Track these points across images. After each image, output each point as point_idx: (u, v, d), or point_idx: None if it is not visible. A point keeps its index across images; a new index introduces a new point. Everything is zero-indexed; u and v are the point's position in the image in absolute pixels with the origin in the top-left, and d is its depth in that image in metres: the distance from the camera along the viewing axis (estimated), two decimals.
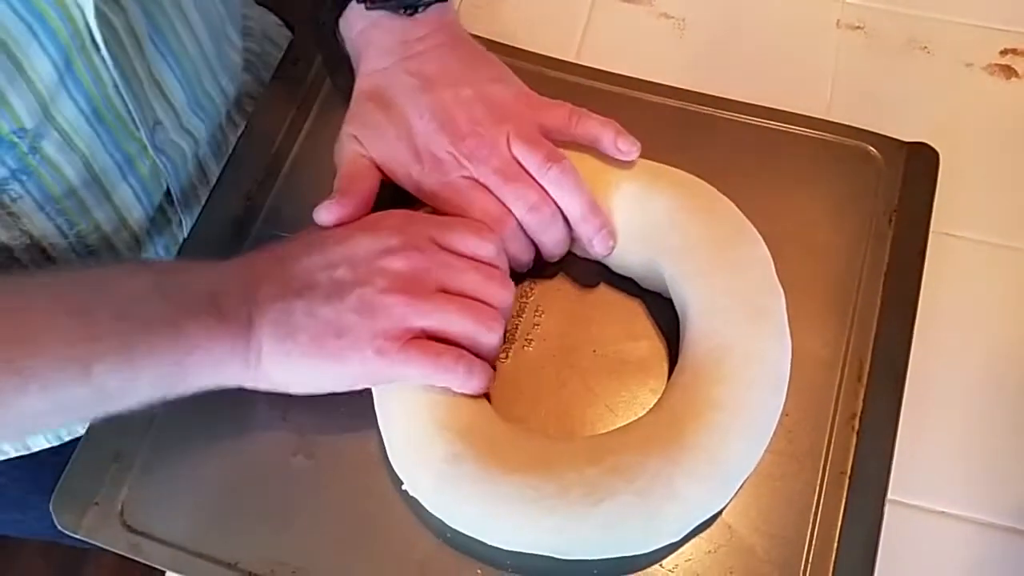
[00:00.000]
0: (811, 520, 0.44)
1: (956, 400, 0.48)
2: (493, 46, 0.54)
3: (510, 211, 0.46)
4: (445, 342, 0.42)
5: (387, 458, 0.44)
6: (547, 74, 0.55)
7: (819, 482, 0.44)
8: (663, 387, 0.46)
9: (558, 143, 0.48)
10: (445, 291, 0.43)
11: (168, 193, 0.56)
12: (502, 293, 0.44)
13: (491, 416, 0.44)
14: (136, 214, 0.54)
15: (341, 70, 0.55)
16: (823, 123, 0.54)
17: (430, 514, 0.43)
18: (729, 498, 0.42)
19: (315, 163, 0.53)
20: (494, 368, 0.45)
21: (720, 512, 0.43)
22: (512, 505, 0.40)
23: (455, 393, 0.43)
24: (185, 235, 0.59)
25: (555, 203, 0.46)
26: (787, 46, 0.59)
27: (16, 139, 0.44)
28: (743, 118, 0.54)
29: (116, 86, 0.47)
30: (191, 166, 0.57)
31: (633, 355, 0.48)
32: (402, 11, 0.49)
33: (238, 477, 0.45)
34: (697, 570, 0.43)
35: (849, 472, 0.44)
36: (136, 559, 0.44)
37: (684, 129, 0.54)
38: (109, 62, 0.45)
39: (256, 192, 0.52)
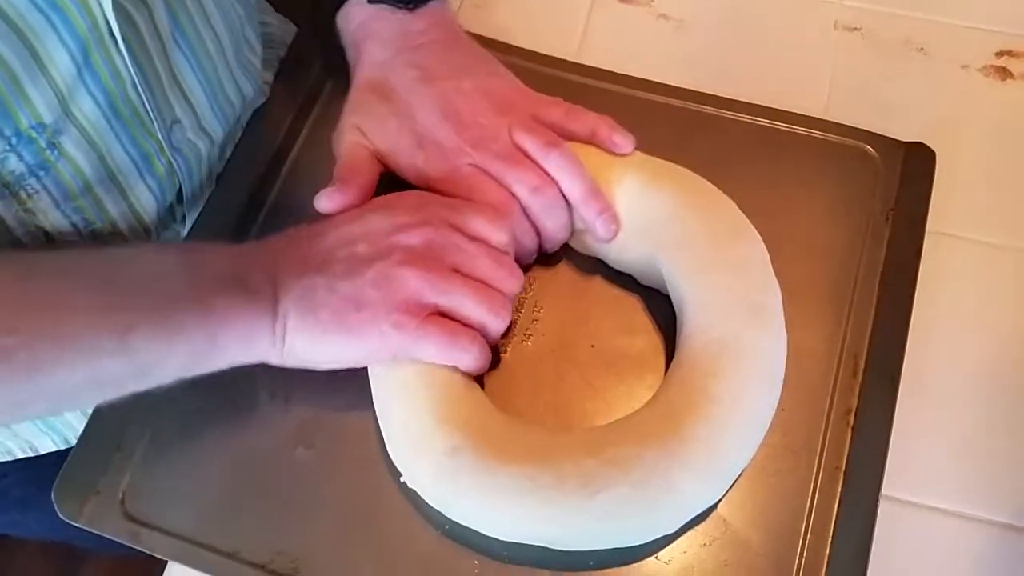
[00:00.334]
0: (806, 514, 0.44)
1: (951, 397, 0.49)
2: (493, 44, 0.54)
3: (513, 197, 0.47)
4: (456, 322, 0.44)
5: (386, 451, 0.44)
6: (547, 73, 0.56)
7: (814, 477, 0.45)
8: (660, 382, 0.46)
9: None
10: (458, 272, 0.44)
11: (179, 192, 0.56)
12: (512, 280, 0.45)
13: (489, 409, 0.44)
14: (151, 213, 0.54)
15: (343, 69, 0.55)
16: (821, 123, 0.54)
17: (428, 506, 0.43)
18: (725, 491, 0.43)
19: (317, 161, 0.54)
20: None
21: (716, 505, 0.44)
22: (509, 496, 0.40)
23: (454, 387, 0.43)
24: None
25: (557, 187, 0.47)
26: (785, 47, 0.60)
27: (35, 134, 0.44)
28: (742, 117, 0.54)
29: (134, 82, 0.47)
30: (203, 167, 0.57)
31: (631, 350, 0.48)
32: (403, 5, 0.50)
33: (238, 468, 0.46)
34: (692, 562, 0.43)
35: (844, 467, 0.45)
36: (136, 547, 0.44)
37: (683, 128, 0.54)
38: (127, 58, 0.45)
39: (258, 189, 0.53)
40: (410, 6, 0.51)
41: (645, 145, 0.50)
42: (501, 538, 0.42)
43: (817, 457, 0.45)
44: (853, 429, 0.46)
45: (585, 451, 0.41)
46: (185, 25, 0.50)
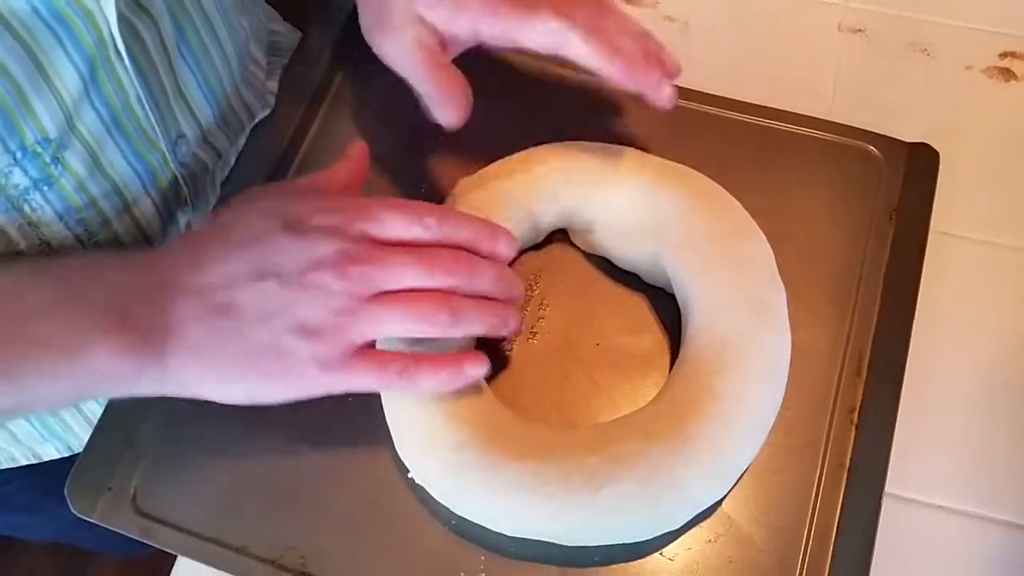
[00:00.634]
0: (810, 512, 0.44)
1: (954, 395, 0.49)
2: None
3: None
4: None
5: (393, 447, 0.45)
6: (553, 72, 0.56)
7: (818, 475, 0.45)
8: (665, 380, 0.47)
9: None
10: (386, 293, 0.40)
11: (187, 203, 0.56)
12: (451, 275, 0.41)
13: (496, 406, 0.44)
14: (155, 227, 0.54)
15: (351, 67, 0.56)
16: (825, 124, 0.54)
17: (435, 501, 0.44)
18: (729, 488, 0.43)
19: (326, 158, 0.54)
20: (502, 340, 0.46)
21: (720, 502, 0.44)
22: (515, 492, 0.41)
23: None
24: None
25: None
26: (789, 49, 0.60)
27: (40, 149, 0.44)
28: (747, 118, 0.55)
29: (139, 96, 0.47)
30: (209, 181, 0.57)
31: (636, 348, 0.49)
32: None
33: (247, 464, 0.46)
34: (696, 559, 0.43)
35: (847, 465, 0.45)
36: (147, 543, 0.45)
37: (689, 128, 0.54)
38: (132, 72, 0.45)
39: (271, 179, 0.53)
40: None
41: (650, 145, 0.50)
42: (507, 533, 0.43)
43: (821, 455, 0.45)
44: (857, 427, 0.46)
45: (590, 448, 0.42)
46: (191, 40, 0.50)
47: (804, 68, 0.59)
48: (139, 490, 0.46)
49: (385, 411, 0.45)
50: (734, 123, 0.55)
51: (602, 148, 0.50)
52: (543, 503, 0.41)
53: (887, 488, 0.44)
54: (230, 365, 0.40)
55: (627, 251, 0.49)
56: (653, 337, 0.49)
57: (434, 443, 0.43)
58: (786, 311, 0.46)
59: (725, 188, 0.49)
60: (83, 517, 0.45)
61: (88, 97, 0.45)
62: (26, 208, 0.46)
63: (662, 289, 0.49)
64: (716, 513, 0.44)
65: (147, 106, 0.47)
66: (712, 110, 0.55)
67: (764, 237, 0.48)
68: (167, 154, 0.51)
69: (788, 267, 0.47)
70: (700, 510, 0.43)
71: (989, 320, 0.51)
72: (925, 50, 0.59)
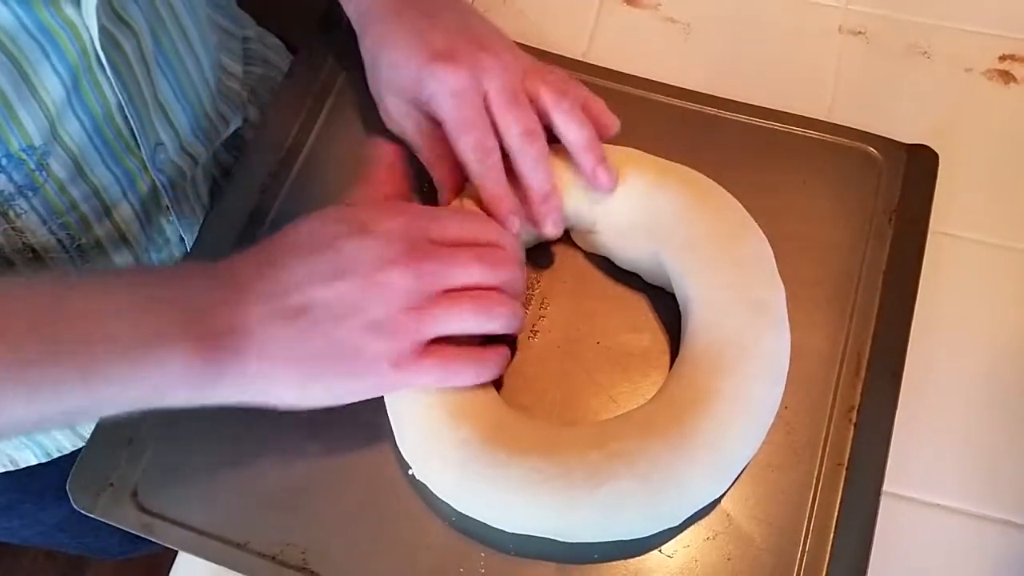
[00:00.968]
0: (808, 510, 0.44)
1: (952, 395, 0.49)
2: None
3: (498, 147, 0.47)
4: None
5: (395, 443, 0.45)
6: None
7: (817, 473, 0.45)
8: (665, 379, 0.47)
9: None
10: (450, 290, 0.42)
11: (168, 210, 0.57)
12: (503, 273, 0.43)
13: (498, 403, 0.45)
14: (135, 231, 0.55)
15: (353, 66, 0.56)
16: (825, 125, 0.55)
17: (436, 498, 0.44)
18: (728, 485, 0.43)
19: (328, 157, 0.55)
20: (515, 342, 0.47)
21: (719, 500, 0.44)
22: (516, 488, 0.41)
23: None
24: (186, 251, 0.60)
25: (544, 145, 0.47)
26: (790, 51, 0.60)
27: (24, 156, 0.45)
28: (748, 119, 0.55)
29: (121, 105, 0.48)
30: (189, 187, 0.58)
31: (636, 347, 0.49)
32: None
33: (249, 462, 0.46)
34: (696, 556, 0.44)
35: (846, 464, 0.45)
36: (148, 538, 0.45)
37: (690, 129, 0.55)
38: (114, 82, 0.46)
39: (270, 184, 0.54)
40: None
41: (651, 145, 0.50)
42: (508, 530, 0.43)
43: (820, 454, 0.46)
44: (856, 426, 0.46)
45: (591, 445, 0.42)
46: (168, 52, 0.51)
47: (804, 70, 0.59)
48: (140, 486, 0.46)
49: (387, 408, 0.45)
50: (735, 124, 0.55)
51: (603, 148, 0.50)
52: (544, 499, 0.41)
53: (885, 487, 0.45)
54: (309, 365, 0.41)
55: (628, 251, 0.50)
56: (653, 336, 0.49)
57: (435, 440, 0.43)
58: (785, 310, 0.46)
59: (725, 188, 0.49)
60: (86, 513, 0.45)
61: (71, 106, 0.46)
62: (10, 213, 0.47)
63: (662, 288, 0.50)
64: (715, 511, 0.44)
65: (128, 115, 0.48)
66: (713, 111, 0.55)
67: (764, 237, 0.48)
68: (146, 161, 0.52)
69: (788, 267, 0.47)
70: (700, 507, 0.43)
71: (988, 320, 0.51)
72: (925, 52, 0.60)
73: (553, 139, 0.49)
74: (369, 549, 0.44)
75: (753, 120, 0.55)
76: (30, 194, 0.47)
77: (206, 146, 0.58)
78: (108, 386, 0.39)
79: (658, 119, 0.55)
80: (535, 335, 0.49)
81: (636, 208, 0.49)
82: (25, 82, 0.43)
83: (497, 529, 0.43)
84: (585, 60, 0.59)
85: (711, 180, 0.50)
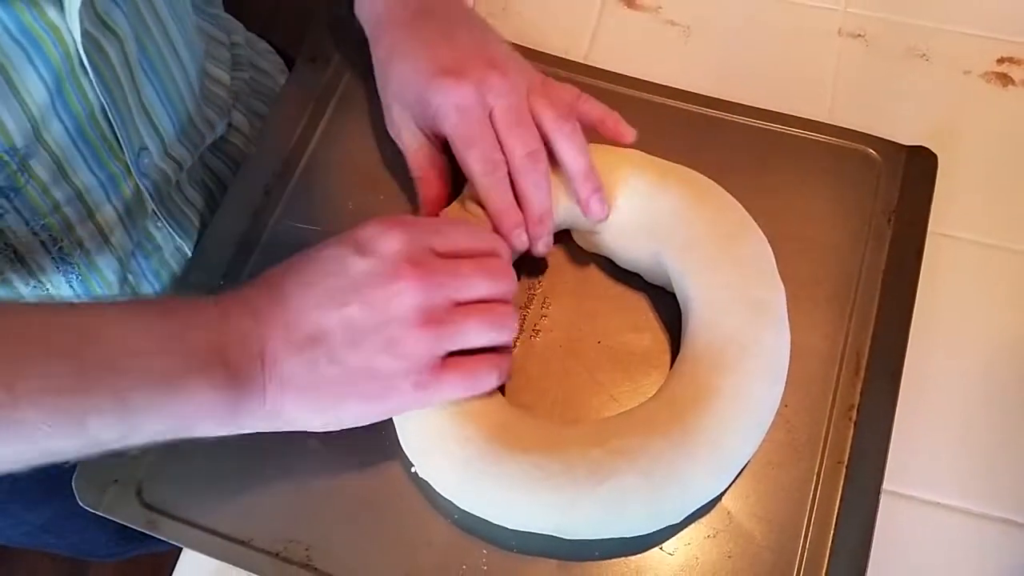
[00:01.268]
0: (808, 508, 0.45)
1: (951, 394, 0.50)
2: None
3: (504, 161, 0.47)
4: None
5: (398, 441, 0.45)
6: (558, 74, 0.57)
7: (817, 471, 0.46)
8: (665, 378, 0.47)
9: None
10: (459, 303, 0.42)
11: (156, 215, 0.57)
12: (505, 284, 0.44)
13: (500, 401, 0.45)
14: (118, 234, 0.55)
15: (357, 68, 0.56)
16: (825, 127, 0.55)
17: (439, 496, 0.44)
18: (729, 482, 0.44)
19: (332, 157, 0.55)
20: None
21: (720, 498, 0.44)
22: (519, 485, 0.41)
23: None
24: (183, 259, 0.61)
25: (547, 166, 0.47)
26: (790, 54, 0.61)
27: (7, 157, 0.45)
28: (749, 121, 0.55)
29: (104, 109, 0.48)
30: (175, 192, 0.58)
31: (637, 346, 0.49)
32: None
33: (253, 458, 0.46)
34: (696, 553, 0.44)
35: (846, 462, 0.46)
36: (153, 535, 0.45)
37: (692, 131, 0.55)
38: (97, 86, 0.47)
39: (274, 185, 0.54)
40: None
41: (653, 146, 0.51)
42: (510, 527, 0.43)
43: (820, 452, 0.46)
44: (855, 425, 0.46)
45: (592, 441, 0.42)
46: (153, 58, 0.52)
47: (804, 72, 0.60)
48: (145, 483, 0.46)
49: None
50: (735, 125, 0.55)
51: (605, 150, 0.50)
52: (546, 496, 0.41)
53: (885, 485, 0.45)
54: (329, 392, 0.41)
55: (629, 251, 0.50)
56: (654, 335, 0.50)
57: (438, 438, 0.43)
58: (785, 310, 0.47)
59: (726, 189, 0.50)
60: (91, 510, 0.46)
61: (54, 109, 0.46)
62: None
63: (663, 288, 0.50)
64: (716, 508, 0.45)
65: (112, 119, 0.49)
66: (713, 113, 0.56)
67: (764, 237, 0.48)
68: (130, 165, 0.52)
69: (788, 267, 0.48)
70: (701, 504, 0.43)
71: (986, 320, 0.51)
72: (924, 55, 0.60)
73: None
74: (372, 546, 0.44)
75: (753, 122, 0.55)
76: (12, 195, 0.47)
77: (191, 151, 0.58)
78: (141, 415, 0.39)
79: (659, 121, 0.55)
80: (537, 334, 0.50)
81: (637, 209, 0.49)
82: (7, 84, 0.43)
83: (499, 526, 0.43)
84: (586, 63, 0.59)
85: (711, 181, 0.50)
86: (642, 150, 0.51)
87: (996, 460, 0.48)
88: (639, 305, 0.50)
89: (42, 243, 0.51)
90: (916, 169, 0.53)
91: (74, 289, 0.55)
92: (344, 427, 0.42)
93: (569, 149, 0.47)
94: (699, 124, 0.56)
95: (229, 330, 0.41)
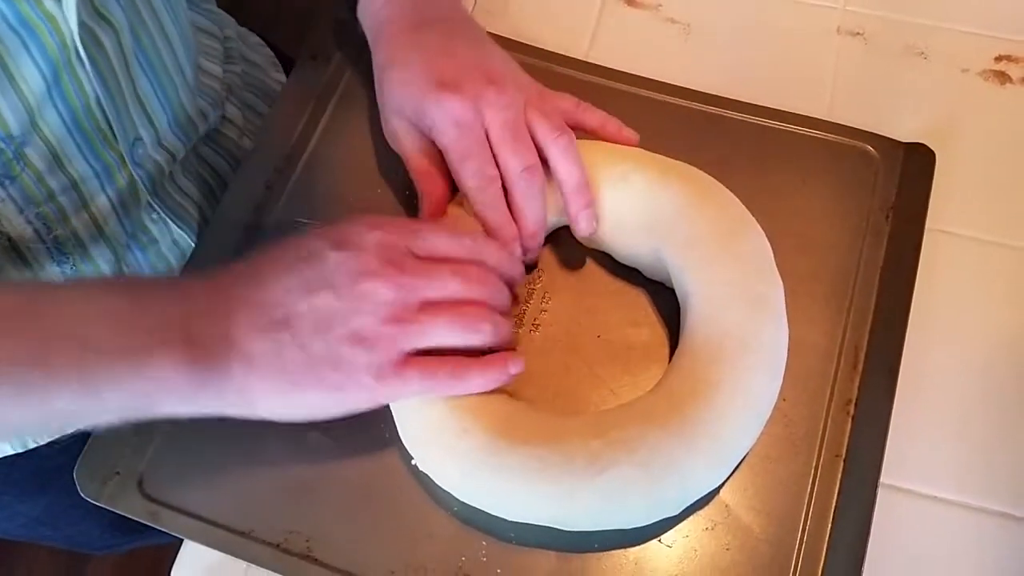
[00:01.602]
0: (806, 501, 0.45)
1: (948, 388, 0.50)
2: (506, 43, 0.56)
3: (498, 176, 0.47)
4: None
5: (398, 434, 0.45)
6: (559, 71, 0.58)
7: (814, 465, 0.46)
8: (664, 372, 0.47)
9: None
10: (431, 303, 0.42)
11: (151, 207, 0.58)
12: (482, 288, 0.44)
13: (499, 395, 0.45)
14: (112, 224, 0.56)
15: (359, 67, 0.57)
16: (824, 124, 0.55)
17: (439, 488, 0.44)
18: (727, 475, 0.44)
19: (333, 154, 0.55)
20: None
21: (718, 490, 0.45)
22: (518, 476, 0.42)
23: None
24: (181, 252, 0.61)
25: (543, 180, 0.48)
26: (789, 51, 0.61)
27: (3, 146, 0.46)
28: (748, 118, 0.56)
29: (99, 99, 0.49)
30: (169, 183, 0.59)
31: (636, 341, 0.49)
32: None
33: (254, 450, 0.47)
34: (695, 546, 0.44)
35: (844, 456, 0.46)
36: (154, 526, 0.45)
37: (691, 127, 0.55)
38: (93, 76, 0.47)
39: (275, 179, 0.54)
40: None
41: (653, 143, 0.51)
42: (509, 519, 0.43)
43: (818, 446, 0.46)
44: (853, 419, 0.47)
45: (591, 433, 0.42)
46: (148, 48, 0.52)
47: (803, 70, 0.60)
48: (146, 475, 0.46)
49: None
50: (734, 122, 0.56)
51: (607, 147, 0.51)
52: (545, 487, 0.41)
53: (882, 478, 0.45)
54: (290, 377, 0.41)
55: (628, 247, 0.50)
56: (653, 330, 0.50)
57: (437, 431, 0.44)
58: (784, 305, 0.47)
59: (725, 186, 0.50)
60: (92, 501, 0.46)
61: (51, 98, 0.47)
62: None
63: (662, 284, 0.50)
64: (714, 501, 0.45)
65: (107, 109, 0.49)
66: (713, 110, 0.56)
67: (763, 233, 0.49)
68: (124, 155, 0.53)
69: (786, 263, 0.48)
70: (699, 496, 0.43)
71: (983, 315, 0.52)
72: (922, 53, 0.60)
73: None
74: (372, 538, 0.45)
75: (753, 119, 0.56)
76: (7, 183, 0.48)
77: (184, 142, 0.58)
78: (103, 387, 0.39)
79: (659, 118, 0.56)
80: (537, 329, 0.50)
81: (637, 205, 0.49)
82: (3, 72, 0.44)
83: (499, 518, 0.43)
84: (587, 60, 0.60)
85: (711, 178, 0.50)
86: (642, 147, 0.51)
87: (993, 454, 0.48)
88: (638, 300, 0.51)
89: (36, 232, 0.52)
90: (914, 166, 0.54)
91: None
92: (302, 418, 0.42)
93: (563, 163, 0.48)
94: (699, 121, 0.56)
95: (193, 306, 0.41)
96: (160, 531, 0.45)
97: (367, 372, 0.41)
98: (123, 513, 0.46)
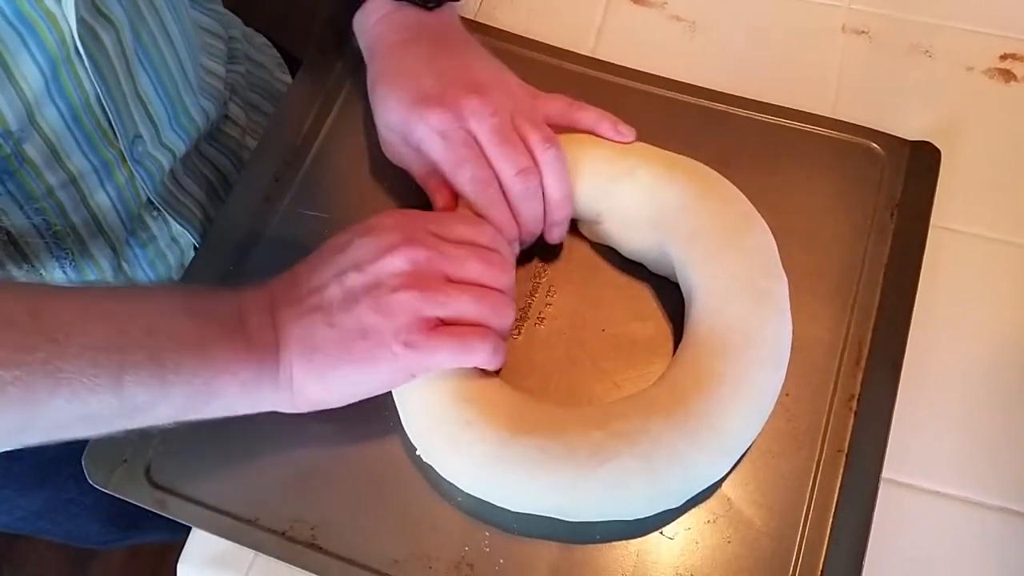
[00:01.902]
0: (808, 495, 0.45)
1: (951, 385, 0.50)
2: (512, 39, 0.56)
3: (494, 177, 0.48)
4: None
5: (402, 425, 0.46)
6: (564, 67, 0.58)
7: (817, 459, 0.46)
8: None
9: (559, 130, 0.50)
10: (452, 280, 0.44)
11: (151, 205, 0.58)
12: (504, 276, 0.45)
13: (503, 386, 0.46)
14: (111, 220, 0.56)
15: (362, 73, 0.57)
16: (830, 121, 0.56)
17: (442, 479, 0.45)
18: (729, 467, 0.44)
19: (342, 148, 0.56)
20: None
21: (720, 483, 0.45)
22: (521, 466, 0.42)
23: (469, 367, 0.45)
24: (181, 252, 0.62)
25: (539, 180, 0.48)
26: (794, 50, 0.61)
27: (1, 141, 0.46)
28: (753, 115, 0.56)
29: (98, 96, 0.49)
30: (170, 181, 0.59)
31: (640, 335, 0.50)
32: (422, 4, 0.53)
33: (260, 440, 0.47)
34: (696, 538, 0.44)
35: (846, 451, 0.46)
36: (161, 514, 0.46)
37: (697, 124, 0.56)
38: (92, 73, 0.48)
39: (284, 172, 0.55)
40: (432, 6, 0.53)
41: (659, 139, 0.51)
42: (512, 509, 0.44)
43: (820, 440, 0.46)
44: (856, 414, 0.47)
45: (594, 424, 0.43)
46: (148, 46, 0.52)
47: (808, 67, 0.60)
48: (153, 463, 0.47)
49: (394, 390, 0.46)
50: (740, 119, 0.56)
51: (610, 142, 0.51)
52: (548, 478, 0.42)
53: (884, 473, 0.45)
54: (327, 354, 0.42)
55: (633, 241, 0.50)
56: (657, 324, 0.50)
57: (441, 422, 0.44)
58: (788, 300, 0.47)
59: (731, 182, 0.50)
60: (100, 488, 0.46)
61: (49, 94, 0.47)
62: None
63: (666, 278, 0.51)
64: (716, 494, 0.45)
65: (106, 106, 0.50)
66: (719, 106, 0.56)
67: (768, 229, 0.49)
68: (124, 152, 0.53)
69: (791, 259, 0.48)
70: (701, 488, 0.44)
71: (987, 313, 0.52)
72: (927, 51, 0.61)
73: (562, 131, 0.50)
74: (376, 527, 0.45)
75: (758, 116, 0.56)
76: (6, 178, 0.48)
77: (185, 140, 0.59)
78: (172, 376, 0.40)
79: (665, 114, 0.56)
80: (542, 322, 0.50)
81: (643, 200, 0.50)
82: (4, 70, 0.44)
83: (502, 509, 0.44)
84: (593, 56, 0.60)
85: (717, 173, 0.50)
86: (648, 142, 0.52)
87: (996, 449, 0.48)
88: (643, 294, 0.51)
89: (35, 227, 0.52)
90: (919, 164, 0.54)
91: (67, 275, 0.56)
92: (344, 401, 0.43)
93: (549, 175, 0.48)
94: (704, 117, 0.56)
95: (244, 303, 0.44)
96: (158, 528, 0.46)
97: (395, 339, 0.42)
98: (130, 500, 0.46)
